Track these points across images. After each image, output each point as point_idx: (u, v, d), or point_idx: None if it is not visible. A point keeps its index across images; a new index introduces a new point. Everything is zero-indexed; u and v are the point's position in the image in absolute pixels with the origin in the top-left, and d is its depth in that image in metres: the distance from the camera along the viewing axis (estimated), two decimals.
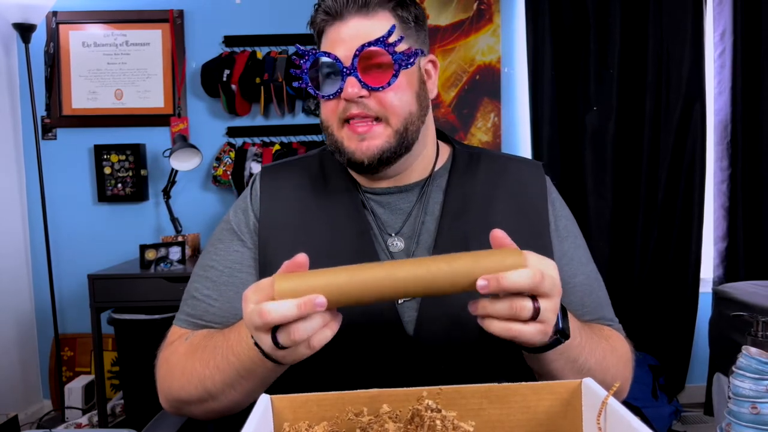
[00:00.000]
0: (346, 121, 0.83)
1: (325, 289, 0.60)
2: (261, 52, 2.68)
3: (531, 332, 0.62)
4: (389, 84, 0.80)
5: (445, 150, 0.96)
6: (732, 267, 2.62)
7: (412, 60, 0.82)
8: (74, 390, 2.59)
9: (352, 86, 0.79)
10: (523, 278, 0.60)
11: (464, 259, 0.61)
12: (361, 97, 0.80)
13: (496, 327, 0.62)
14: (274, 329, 0.62)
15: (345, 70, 0.79)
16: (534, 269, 0.60)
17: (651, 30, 2.57)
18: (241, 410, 0.81)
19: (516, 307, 0.61)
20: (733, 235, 2.62)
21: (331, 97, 0.82)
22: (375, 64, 0.80)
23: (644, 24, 2.58)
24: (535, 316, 0.61)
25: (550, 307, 0.62)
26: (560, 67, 2.63)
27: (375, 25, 0.81)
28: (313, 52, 0.82)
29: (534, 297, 0.61)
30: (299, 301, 0.59)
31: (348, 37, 0.80)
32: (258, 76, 2.61)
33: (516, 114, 2.77)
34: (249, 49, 2.68)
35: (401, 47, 0.81)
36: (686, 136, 2.61)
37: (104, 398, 2.42)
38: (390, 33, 0.80)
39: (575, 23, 2.62)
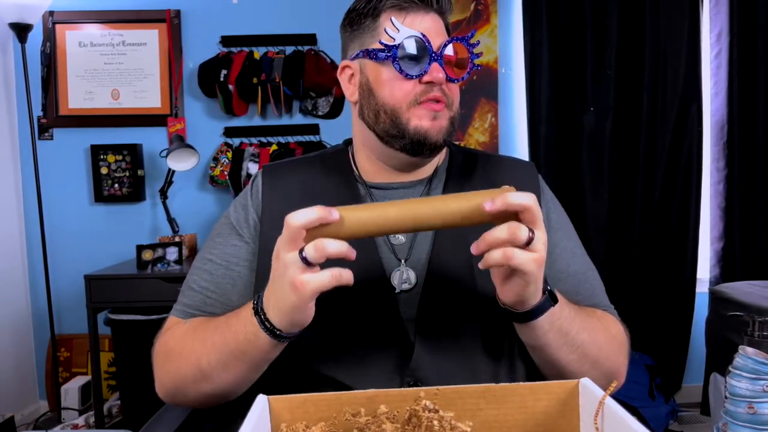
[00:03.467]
0: (417, 104, 0.85)
1: (344, 215, 0.66)
2: (258, 52, 2.68)
3: (526, 257, 0.66)
4: (463, 78, 0.87)
5: (443, 151, 0.97)
6: (728, 267, 2.63)
7: (479, 65, 0.88)
8: (71, 391, 2.59)
9: (440, 71, 0.84)
10: (523, 196, 0.66)
11: (470, 193, 0.68)
12: (442, 83, 0.85)
13: (495, 255, 0.66)
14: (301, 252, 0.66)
15: (434, 55, 0.84)
16: (531, 194, 0.67)
17: (648, 31, 2.58)
18: (233, 399, 0.83)
19: (512, 228, 0.65)
20: (729, 235, 2.63)
21: (413, 77, 0.84)
22: (456, 58, 0.87)
23: (641, 25, 2.59)
24: (529, 241, 0.66)
25: (541, 239, 0.67)
26: (557, 68, 2.64)
27: (444, 27, 0.88)
28: (410, 31, 0.84)
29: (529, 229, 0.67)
30: (318, 207, 0.65)
31: (433, 27, 0.86)
32: (255, 77, 2.60)
33: (513, 114, 2.77)
34: (246, 49, 2.67)
35: (477, 49, 0.88)
36: (683, 136, 2.61)
37: (101, 399, 2.42)
38: (473, 35, 0.88)
39: (572, 24, 2.63)
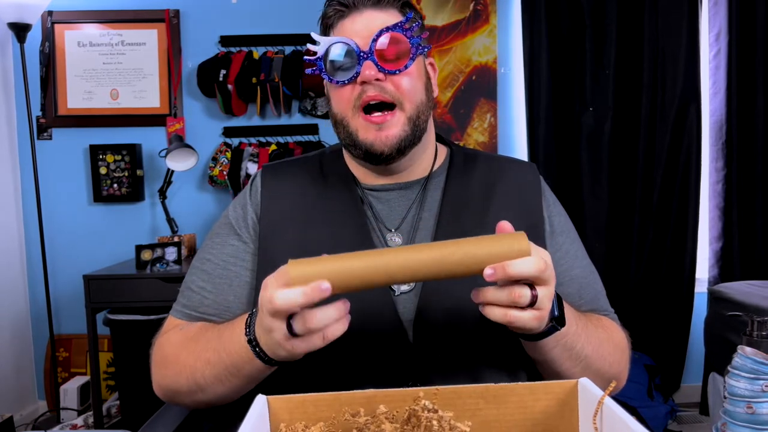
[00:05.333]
0: (362, 111, 0.84)
1: (335, 274, 0.61)
2: (257, 52, 2.67)
3: (527, 318, 0.65)
4: (406, 67, 0.83)
5: (443, 151, 0.98)
6: (727, 267, 2.63)
7: (425, 48, 0.85)
8: (70, 391, 2.59)
9: (369, 69, 0.81)
10: (527, 266, 0.62)
11: (472, 244, 0.63)
12: (378, 80, 0.82)
13: (495, 313, 0.65)
14: (290, 317, 0.63)
15: (362, 54, 0.81)
16: (538, 258, 0.63)
17: (647, 30, 2.58)
18: (230, 402, 0.82)
19: (515, 295, 0.63)
20: (728, 235, 2.63)
21: (346, 82, 0.83)
22: (392, 50, 0.82)
23: (640, 24, 2.59)
24: (533, 302, 0.64)
25: (546, 294, 0.65)
26: (556, 68, 2.64)
27: (387, 18, 0.84)
28: (330, 39, 0.83)
29: (531, 285, 0.64)
30: (305, 288, 0.60)
31: (363, 26, 0.83)
32: (254, 76, 2.60)
33: (512, 114, 2.77)
34: (245, 49, 2.67)
35: (417, 33, 0.84)
36: (682, 136, 2.62)
37: (100, 399, 2.41)
38: (408, 19, 0.83)
39: (571, 24, 2.63)
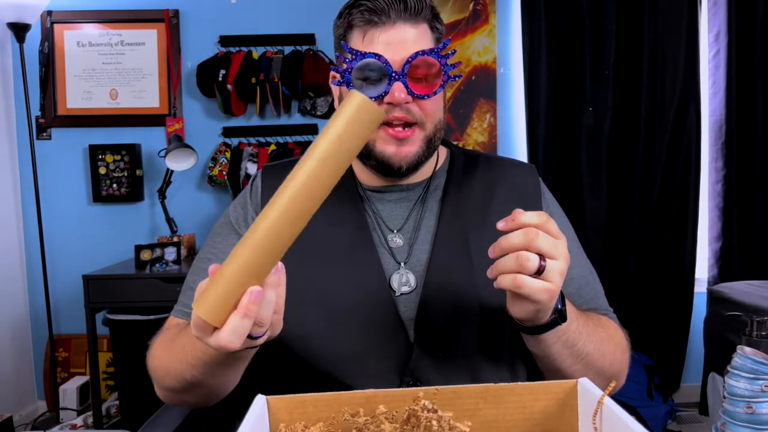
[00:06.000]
0: (383, 123, 0.82)
1: (243, 276, 0.53)
2: (257, 52, 2.67)
3: (536, 287, 0.65)
4: (435, 93, 0.82)
5: (443, 152, 0.98)
6: (727, 267, 2.63)
7: (455, 77, 0.84)
8: (69, 391, 2.59)
9: (400, 91, 0.80)
10: (533, 216, 0.66)
11: (324, 134, 0.55)
12: (407, 102, 0.81)
13: (506, 280, 0.66)
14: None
15: (394, 74, 0.80)
16: (543, 213, 0.67)
17: (646, 31, 2.58)
18: (233, 394, 0.81)
19: (522, 258, 0.64)
20: (727, 235, 2.63)
21: (373, 99, 0.81)
22: (424, 72, 0.81)
23: (639, 25, 2.59)
24: (540, 271, 0.65)
25: (556, 268, 0.66)
26: (556, 68, 2.64)
27: (419, 34, 0.82)
28: (362, 52, 0.80)
29: (542, 258, 0.65)
30: (240, 314, 0.54)
31: (396, 41, 0.81)
32: (254, 76, 2.60)
33: (512, 114, 2.77)
34: (245, 49, 2.67)
35: (452, 60, 0.83)
36: (681, 136, 2.62)
37: (99, 399, 2.41)
38: (445, 45, 0.82)
39: (571, 24, 2.63)
